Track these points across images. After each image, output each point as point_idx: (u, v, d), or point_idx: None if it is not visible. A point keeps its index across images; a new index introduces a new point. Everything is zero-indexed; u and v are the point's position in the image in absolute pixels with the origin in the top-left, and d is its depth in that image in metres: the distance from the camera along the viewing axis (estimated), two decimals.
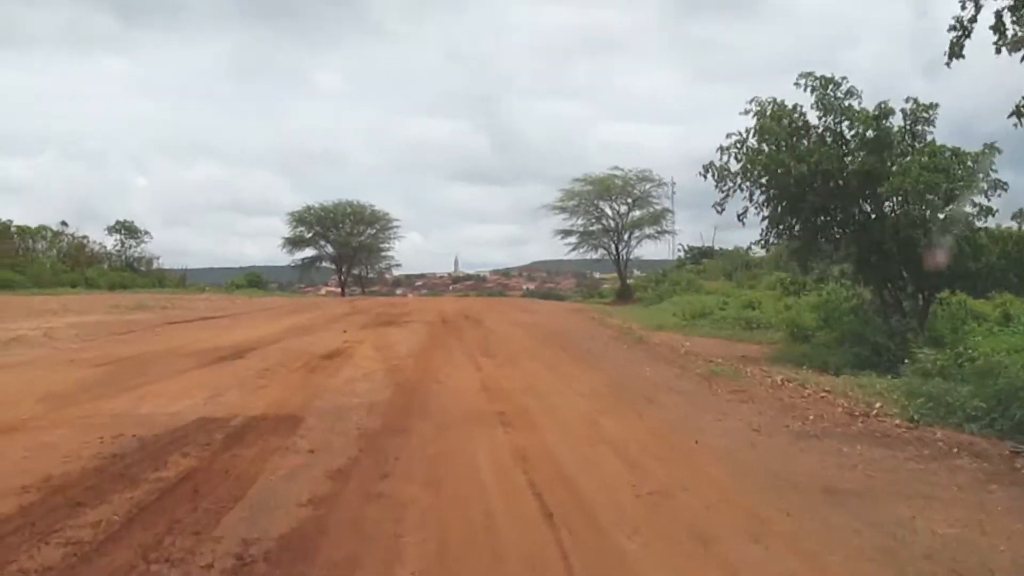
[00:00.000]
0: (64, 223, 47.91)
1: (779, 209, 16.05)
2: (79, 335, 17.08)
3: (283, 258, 63.89)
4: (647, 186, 51.19)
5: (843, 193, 15.47)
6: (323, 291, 73.35)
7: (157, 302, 28.78)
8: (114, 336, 17.21)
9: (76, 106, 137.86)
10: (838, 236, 16.34)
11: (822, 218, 16.23)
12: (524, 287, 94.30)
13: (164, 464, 6.14)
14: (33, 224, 45.58)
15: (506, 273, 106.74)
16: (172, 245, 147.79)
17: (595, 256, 55.25)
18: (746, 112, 15.87)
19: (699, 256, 46.85)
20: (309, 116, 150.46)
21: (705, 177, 16.12)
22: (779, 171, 15.21)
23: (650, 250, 58.82)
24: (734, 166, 15.90)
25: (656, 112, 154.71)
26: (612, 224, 52.30)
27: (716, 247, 47.69)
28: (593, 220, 52.91)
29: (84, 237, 49.29)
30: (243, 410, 8.52)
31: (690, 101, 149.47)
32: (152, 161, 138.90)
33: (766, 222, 16.39)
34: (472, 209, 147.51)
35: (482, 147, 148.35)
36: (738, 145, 15.85)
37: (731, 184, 16.03)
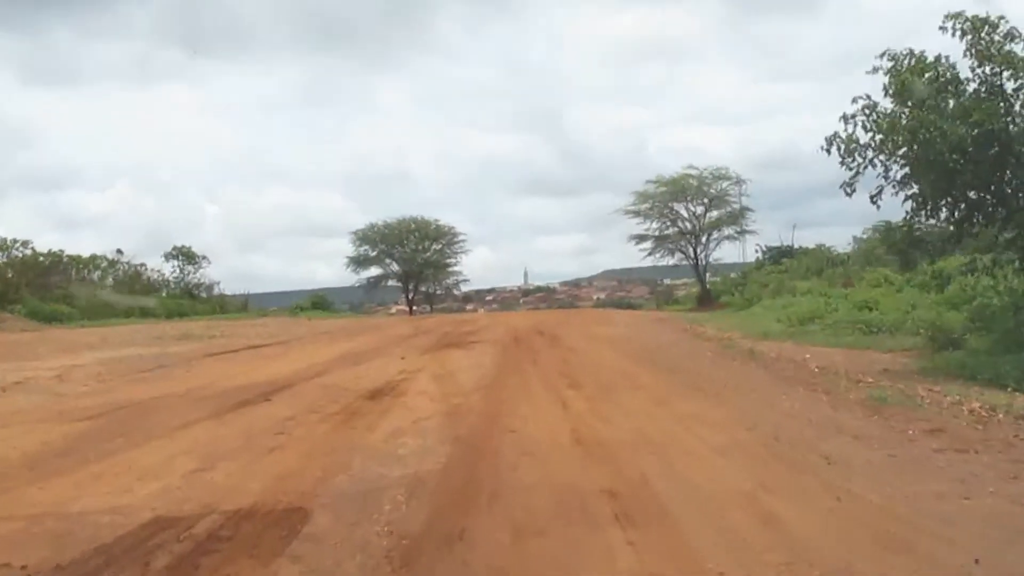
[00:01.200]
0: (119, 251, 45.99)
1: (927, 185, 12.98)
2: (100, 374, 14.73)
3: (351, 278, 62.28)
4: (724, 184, 48.27)
5: (1003, 161, 12.34)
6: (393, 310, 71.19)
7: (207, 331, 26.55)
8: (138, 375, 14.80)
9: (145, 138, 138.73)
10: (998, 216, 13.16)
11: (977, 195, 13.14)
12: (595, 297, 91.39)
13: None
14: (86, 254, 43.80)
15: (576, 283, 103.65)
16: (245, 270, 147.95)
17: (671, 261, 52.20)
18: (874, 71, 12.97)
19: (779, 256, 43.44)
20: (376, 137, 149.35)
21: (828, 152, 13.21)
22: (927, 136, 12.16)
23: (725, 252, 55.33)
24: (863, 137, 12.99)
25: (720, 115, 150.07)
26: (688, 226, 49.39)
27: (795, 246, 44.37)
28: (668, 223, 50.11)
29: (141, 265, 47.48)
30: (226, 498, 5.76)
31: (754, 102, 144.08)
32: (223, 189, 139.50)
33: (910, 202, 13.38)
34: (540, 221, 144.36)
35: (548, 159, 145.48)
36: (867, 111, 12.89)
37: (860, 160, 13.09)
